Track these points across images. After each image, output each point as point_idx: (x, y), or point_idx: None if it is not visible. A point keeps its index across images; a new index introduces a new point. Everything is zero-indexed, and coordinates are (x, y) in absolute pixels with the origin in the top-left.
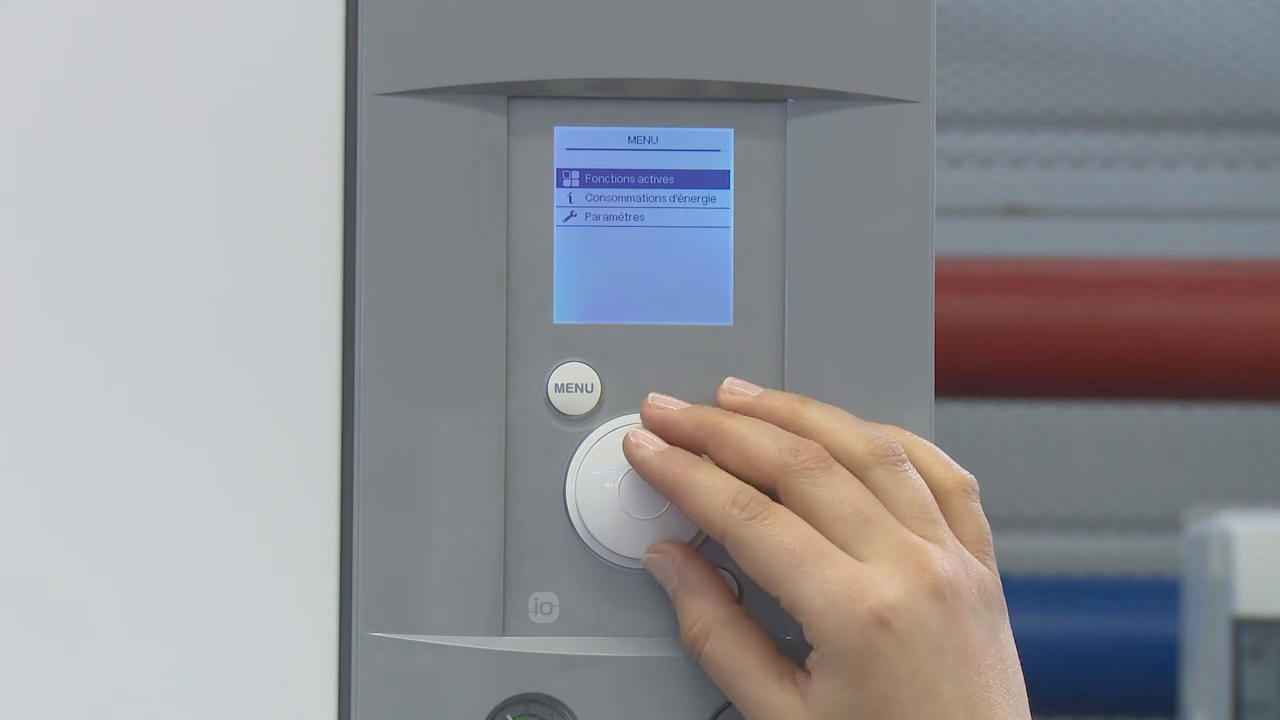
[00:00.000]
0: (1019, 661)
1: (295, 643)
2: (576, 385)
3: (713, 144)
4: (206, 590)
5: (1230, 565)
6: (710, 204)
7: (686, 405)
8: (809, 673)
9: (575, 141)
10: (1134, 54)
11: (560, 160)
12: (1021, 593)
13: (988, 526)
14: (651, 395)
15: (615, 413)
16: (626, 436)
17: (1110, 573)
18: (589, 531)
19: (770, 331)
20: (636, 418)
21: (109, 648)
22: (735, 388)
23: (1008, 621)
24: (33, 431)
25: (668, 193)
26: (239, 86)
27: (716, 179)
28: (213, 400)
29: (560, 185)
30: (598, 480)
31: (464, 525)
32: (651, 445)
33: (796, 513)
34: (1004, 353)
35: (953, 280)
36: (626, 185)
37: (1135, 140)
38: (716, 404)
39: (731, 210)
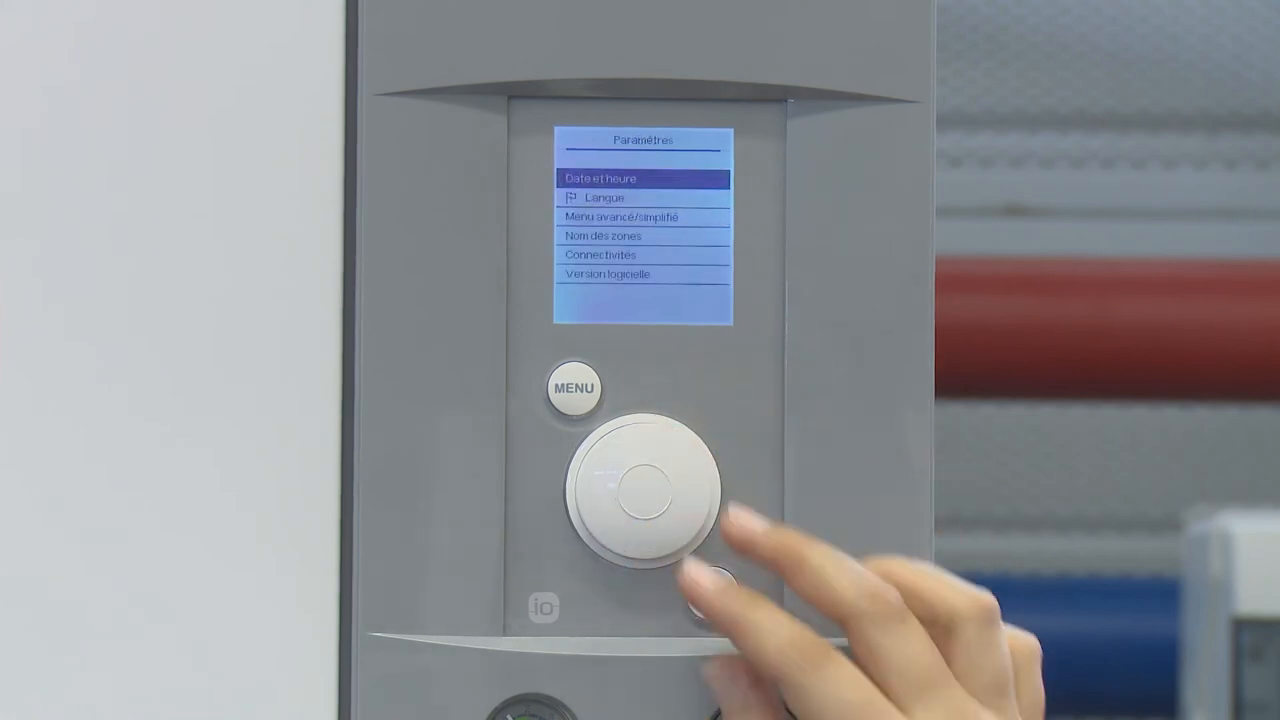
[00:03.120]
0: None
1: (295, 643)
2: (576, 385)
3: (713, 144)
4: (206, 590)
5: (1230, 565)
6: (710, 204)
7: (767, 525)
8: None
9: (575, 141)
10: (1134, 54)
11: (560, 160)
12: (1021, 593)
13: (1043, 698)
14: (733, 510)
15: (615, 413)
16: (686, 568)
17: (1110, 573)
18: (589, 531)
19: (770, 331)
20: (637, 418)
21: (109, 648)
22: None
23: None
24: (32, 431)
25: (668, 193)
26: (239, 86)
27: (716, 179)
28: (213, 400)
29: (560, 185)
30: (598, 480)
31: (464, 525)
32: (710, 581)
33: (860, 656)
34: (1004, 353)
35: (953, 280)
36: (626, 185)
37: (1135, 140)
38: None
39: (731, 210)
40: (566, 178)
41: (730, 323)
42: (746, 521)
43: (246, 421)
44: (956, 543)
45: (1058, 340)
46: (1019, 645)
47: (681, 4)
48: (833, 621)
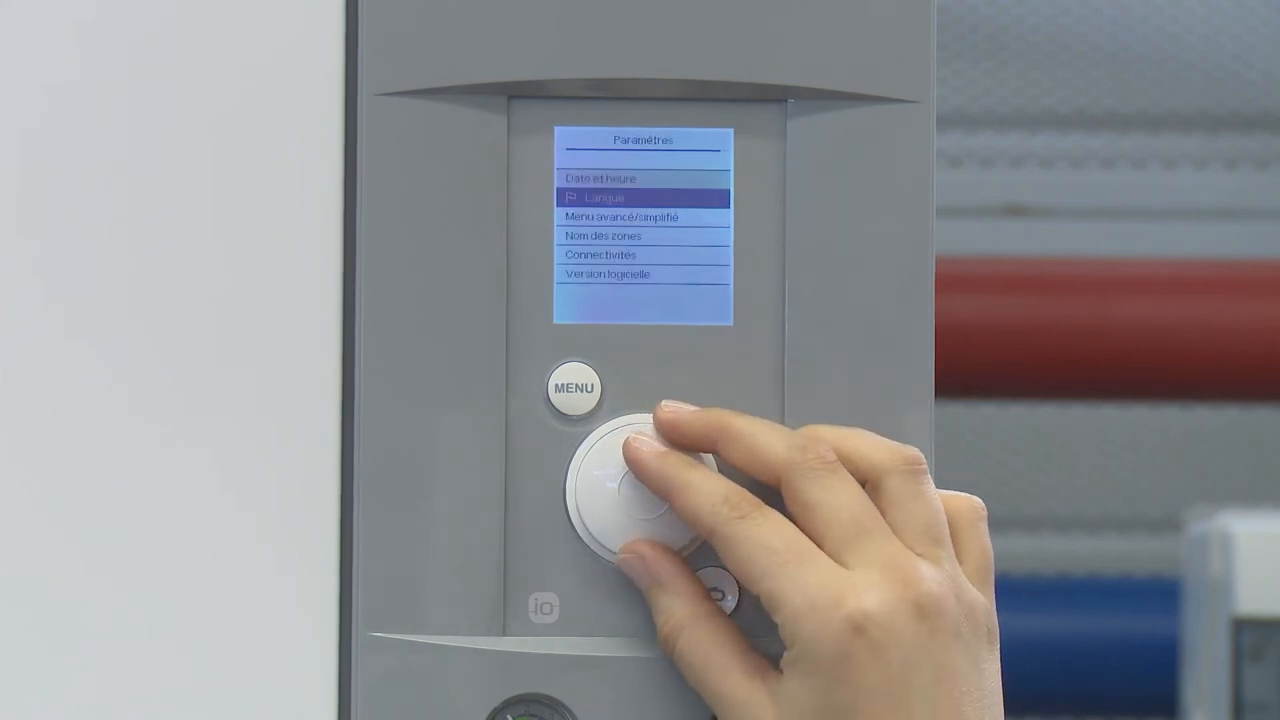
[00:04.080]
0: (1001, 696)
1: (295, 643)
2: (576, 385)
3: (713, 144)
4: (207, 590)
5: (1230, 565)
6: (710, 204)
7: (697, 408)
8: (781, 672)
9: (575, 141)
10: (1134, 54)
11: (560, 160)
12: (1021, 593)
13: (992, 556)
14: (664, 401)
15: (615, 413)
16: (627, 439)
17: (1110, 573)
18: (589, 531)
19: (770, 331)
20: (637, 417)
21: (109, 648)
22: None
23: (997, 655)
24: (32, 431)
25: (668, 192)
26: (239, 86)
27: (716, 179)
28: (213, 400)
29: (560, 185)
30: (598, 480)
31: (464, 525)
32: (649, 447)
33: (795, 513)
34: (1004, 353)
35: (953, 280)
36: (626, 185)
37: (1135, 140)
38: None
39: (731, 210)
40: (566, 178)
41: (730, 323)
42: (676, 406)
43: (246, 421)
44: None
45: (1058, 340)
46: (960, 504)
47: (681, 4)
48: (767, 486)
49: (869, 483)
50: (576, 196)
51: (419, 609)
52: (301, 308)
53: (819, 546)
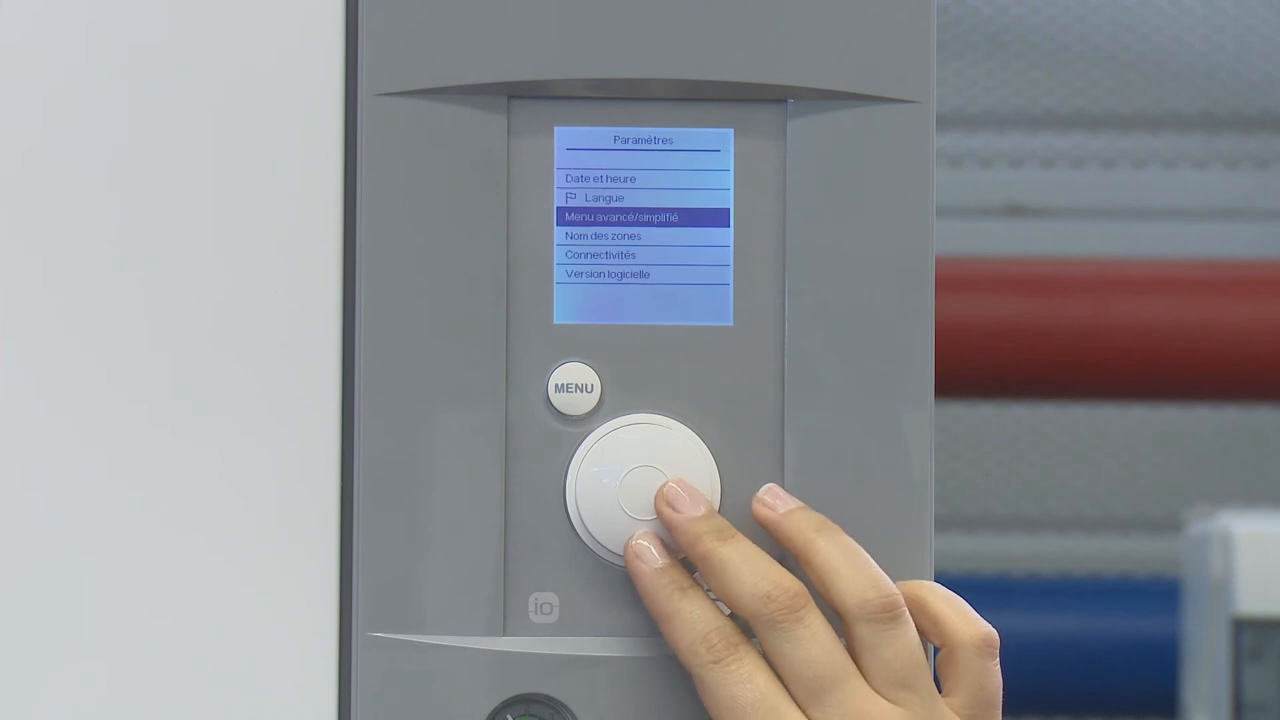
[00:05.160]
0: None
1: (295, 643)
2: (576, 385)
3: (713, 144)
4: (207, 590)
5: (1230, 565)
6: (710, 204)
7: (696, 512)
8: None
9: (575, 141)
10: (1134, 54)
11: (560, 160)
12: (1021, 593)
13: (997, 686)
14: (668, 485)
15: (615, 413)
16: (630, 544)
17: (1110, 573)
18: (589, 531)
19: (770, 331)
20: (637, 418)
21: (110, 648)
22: (767, 500)
23: None
24: (32, 431)
25: (668, 193)
26: (239, 86)
27: (716, 179)
28: (213, 400)
29: (560, 185)
30: (598, 480)
31: (464, 525)
32: (649, 561)
33: (769, 658)
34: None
35: (953, 280)
36: (626, 185)
37: (1135, 140)
38: (751, 509)
39: (731, 210)
40: (566, 178)
41: (730, 323)
42: (677, 500)
43: (247, 421)
44: (956, 543)
45: (1057, 340)
46: (967, 636)
47: (681, 4)
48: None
49: (843, 621)
50: (576, 196)
51: (419, 609)
52: (302, 307)
53: (790, 693)
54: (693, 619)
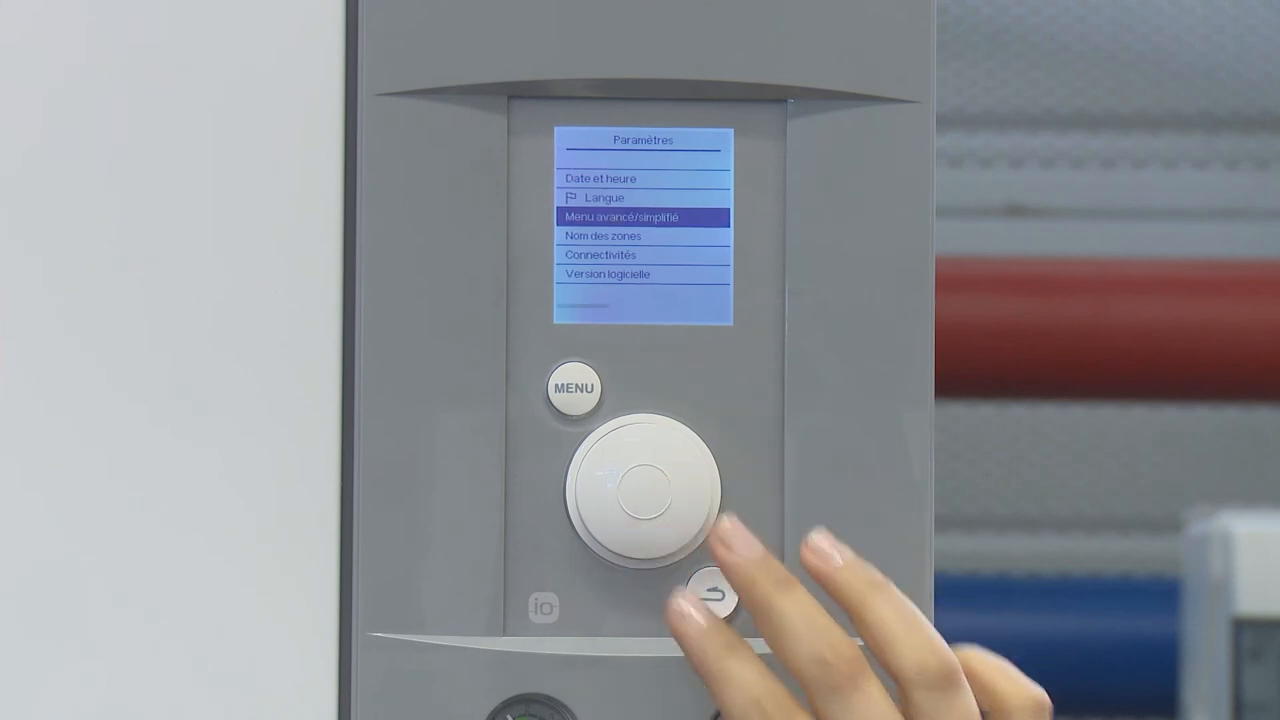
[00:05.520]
0: None
1: (295, 643)
2: (576, 385)
3: (713, 144)
4: (207, 590)
5: (1230, 565)
6: (710, 204)
7: (753, 554)
8: None
9: (575, 141)
10: (1134, 54)
11: (560, 160)
12: (1021, 593)
13: None
14: (722, 523)
15: (615, 413)
16: (671, 603)
17: (1110, 573)
18: (589, 531)
19: (770, 331)
20: (637, 418)
21: (109, 648)
22: (819, 547)
23: None
24: (32, 431)
25: (668, 193)
26: (239, 86)
27: (717, 179)
28: (213, 400)
29: (560, 185)
30: (598, 480)
31: (464, 525)
32: (694, 623)
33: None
34: (1004, 353)
35: (953, 280)
36: (626, 185)
37: (1135, 140)
38: (800, 557)
39: (731, 210)
40: (566, 178)
41: (730, 323)
42: (737, 542)
43: (247, 421)
44: (956, 543)
45: (1057, 340)
46: (1020, 701)
47: (681, 4)
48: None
49: (899, 686)
50: (576, 196)
51: (419, 609)
52: (302, 307)
53: None
54: (745, 682)
